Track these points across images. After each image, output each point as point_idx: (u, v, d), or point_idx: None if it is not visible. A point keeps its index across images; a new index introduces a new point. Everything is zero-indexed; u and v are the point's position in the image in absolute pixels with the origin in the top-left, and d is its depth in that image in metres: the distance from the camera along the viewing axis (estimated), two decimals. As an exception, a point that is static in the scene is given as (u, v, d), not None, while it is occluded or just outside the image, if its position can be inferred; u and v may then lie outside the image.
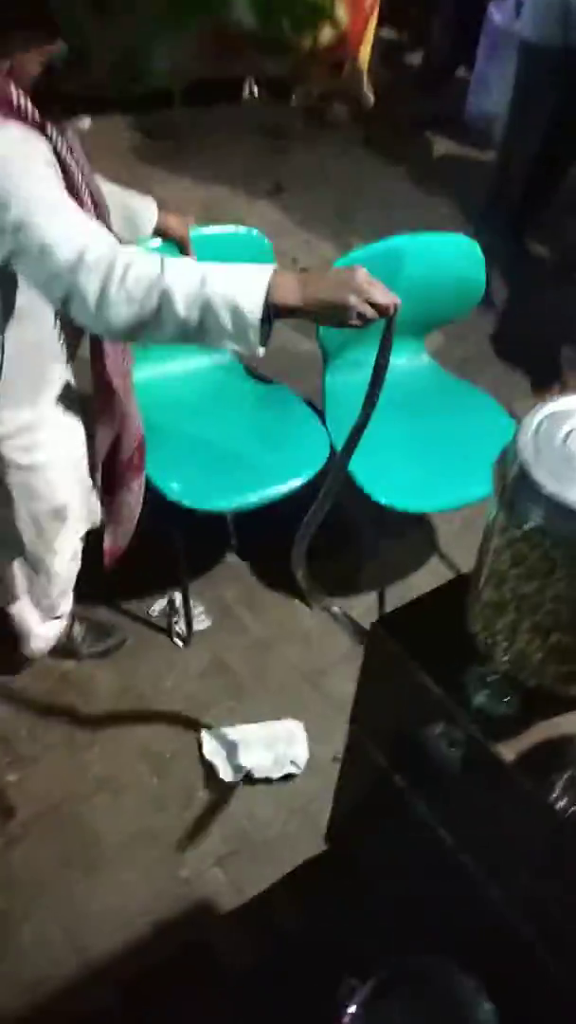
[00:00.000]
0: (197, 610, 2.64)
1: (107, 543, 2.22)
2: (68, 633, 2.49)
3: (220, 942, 1.68)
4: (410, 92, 5.23)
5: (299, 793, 2.30)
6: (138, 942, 2.00)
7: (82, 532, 2.17)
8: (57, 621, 2.33)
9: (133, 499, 2.18)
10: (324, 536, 2.89)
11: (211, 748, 2.33)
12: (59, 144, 1.58)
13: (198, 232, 2.19)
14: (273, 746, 2.35)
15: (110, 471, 2.11)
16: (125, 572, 2.74)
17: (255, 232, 2.58)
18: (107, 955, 1.98)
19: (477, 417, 2.58)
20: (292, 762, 2.31)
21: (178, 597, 2.64)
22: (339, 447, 2.40)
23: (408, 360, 2.69)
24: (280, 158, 4.67)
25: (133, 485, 2.15)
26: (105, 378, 1.89)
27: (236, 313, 1.36)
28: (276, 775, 2.30)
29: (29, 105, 1.51)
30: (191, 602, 2.64)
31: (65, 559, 2.15)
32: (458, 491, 2.36)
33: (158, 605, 2.66)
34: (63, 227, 1.43)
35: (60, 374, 1.89)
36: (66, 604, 2.31)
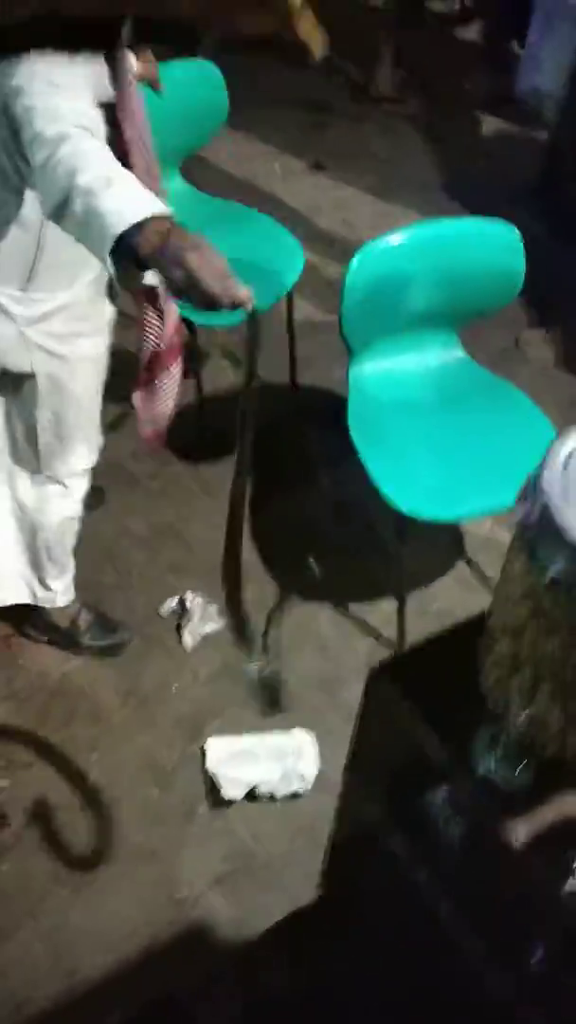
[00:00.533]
0: (210, 610, 2.52)
1: (146, 431, 2.18)
2: (74, 619, 2.39)
3: (202, 1000, 1.56)
4: (461, 67, 5.01)
5: (306, 811, 2.17)
6: (127, 969, 1.89)
7: (93, 453, 2.20)
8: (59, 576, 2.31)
9: (172, 381, 2.16)
10: (344, 538, 2.77)
11: (215, 760, 2.21)
12: None
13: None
14: (281, 759, 2.22)
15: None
16: (136, 566, 2.66)
17: (211, 67, 2.83)
18: (93, 982, 1.88)
19: (512, 419, 2.42)
20: (300, 777, 2.18)
21: (189, 596, 2.52)
22: (360, 448, 2.27)
23: (440, 353, 2.54)
24: (321, 134, 4.50)
25: (172, 368, 2.13)
26: None
27: (102, 228, 1.33)
28: (282, 792, 2.18)
29: None
30: (204, 602, 2.52)
31: (78, 484, 2.21)
32: (487, 499, 2.21)
33: (168, 604, 2.54)
34: (51, 99, 1.46)
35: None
36: (67, 561, 2.31)
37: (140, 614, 2.52)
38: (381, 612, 2.58)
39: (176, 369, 2.14)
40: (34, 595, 2.32)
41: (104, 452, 2.98)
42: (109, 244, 1.31)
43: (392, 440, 2.34)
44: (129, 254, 1.32)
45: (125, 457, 2.92)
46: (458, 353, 2.57)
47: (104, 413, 2.21)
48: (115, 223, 1.31)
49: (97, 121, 1.56)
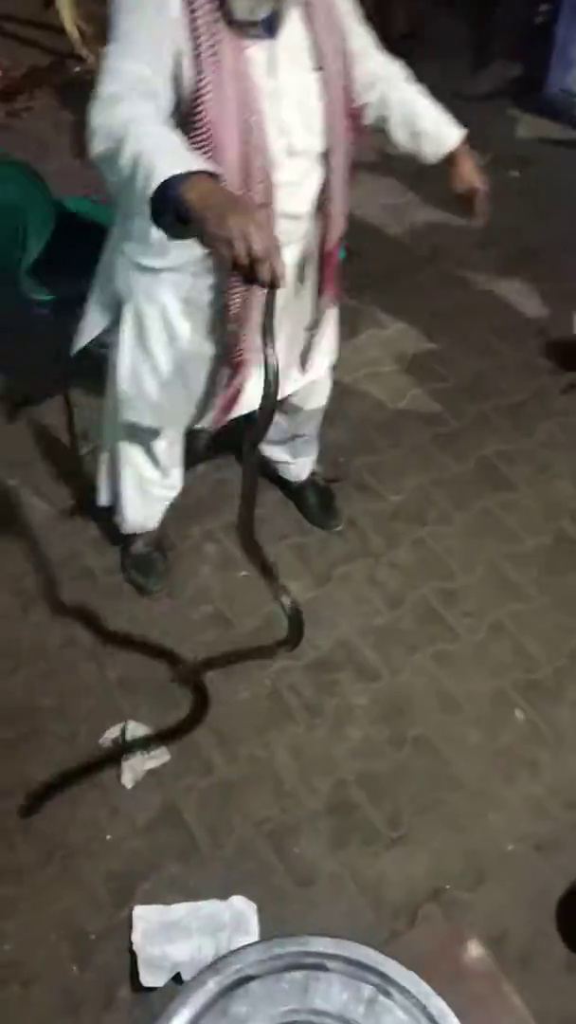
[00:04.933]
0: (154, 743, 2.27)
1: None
2: None
3: None
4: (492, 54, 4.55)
5: (241, 998, 1.92)
6: None
7: None
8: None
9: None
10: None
11: (141, 934, 1.97)
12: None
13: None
14: (215, 933, 1.97)
15: None
16: (79, 684, 2.41)
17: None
18: None
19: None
20: (232, 962, 1.93)
21: (131, 727, 2.27)
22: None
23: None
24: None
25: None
26: None
27: (147, 175, 1.35)
28: (212, 978, 1.93)
29: None
30: (147, 732, 2.27)
31: None
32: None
33: (110, 733, 2.29)
34: (114, 58, 1.56)
35: None
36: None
37: (80, 744, 2.28)
38: (351, 741, 2.30)
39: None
40: None
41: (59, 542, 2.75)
42: (150, 190, 1.34)
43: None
44: (171, 206, 1.35)
45: (82, 547, 2.69)
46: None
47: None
48: (168, 165, 1.34)
49: (160, 89, 1.57)
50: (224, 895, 2.03)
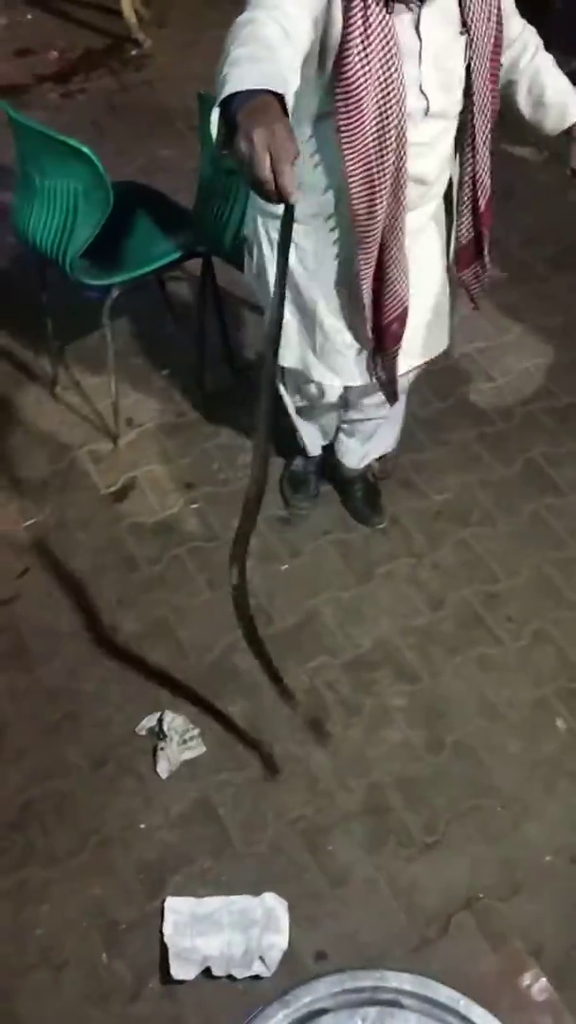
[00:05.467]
0: (191, 733, 2.26)
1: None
2: None
3: None
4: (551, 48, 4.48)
5: (269, 995, 1.91)
6: None
7: None
8: None
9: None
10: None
11: (172, 926, 1.97)
12: None
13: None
14: (246, 929, 1.96)
15: None
16: (119, 671, 2.41)
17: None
18: None
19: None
20: (261, 959, 1.92)
21: (169, 717, 2.27)
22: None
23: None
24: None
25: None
26: None
27: (220, 89, 1.37)
28: (241, 973, 1.92)
29: None
30: (184, 723, 2.27)
31: None
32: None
33: (147, 722, 2.29)
34: None
35: None
36: None
37: (115, 732, 2.28)
38: (388, 743, 2.28)
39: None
40: None
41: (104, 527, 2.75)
42: (218, 101, 1.36)
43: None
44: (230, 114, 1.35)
45: (124, 535, 2.68)
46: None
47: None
48: (231, 86, 1.35)
49: (299, 25, 1.55)
50: (256, 891, 2.02)
